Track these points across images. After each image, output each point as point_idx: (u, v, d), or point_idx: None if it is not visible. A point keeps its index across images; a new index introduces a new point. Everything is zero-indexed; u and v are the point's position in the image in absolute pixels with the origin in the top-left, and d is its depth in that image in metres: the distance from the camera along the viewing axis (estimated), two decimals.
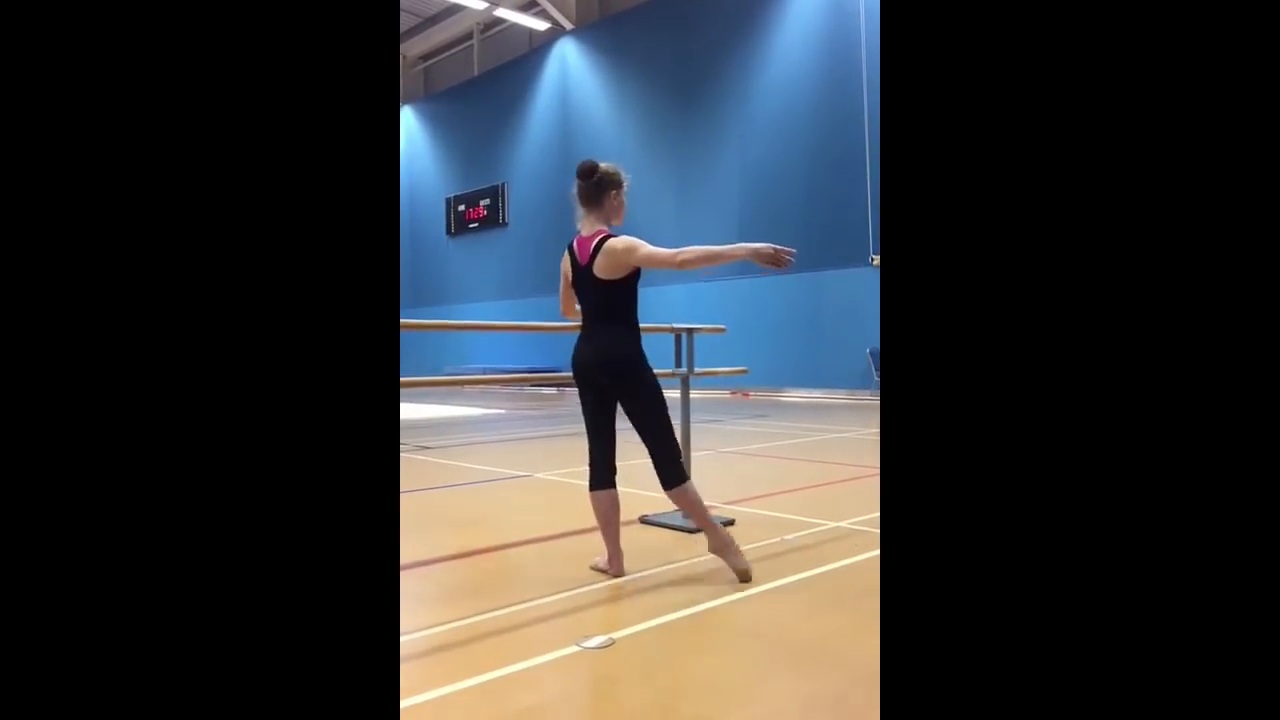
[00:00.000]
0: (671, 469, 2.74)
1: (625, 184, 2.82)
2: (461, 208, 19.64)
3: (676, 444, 2.79)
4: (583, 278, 2.78)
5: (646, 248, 2.70)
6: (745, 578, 2.70)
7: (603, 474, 2.79)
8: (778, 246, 2.65)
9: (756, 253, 2.65)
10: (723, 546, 2.74)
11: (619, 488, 2.81)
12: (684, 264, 2.67)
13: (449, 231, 20.04)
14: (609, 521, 2.79)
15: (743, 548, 3.20)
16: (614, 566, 2.78)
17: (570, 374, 2.83)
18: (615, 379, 2.74)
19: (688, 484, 2.76)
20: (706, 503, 3.91)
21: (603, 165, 2.78)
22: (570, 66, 16.96)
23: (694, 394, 3.63)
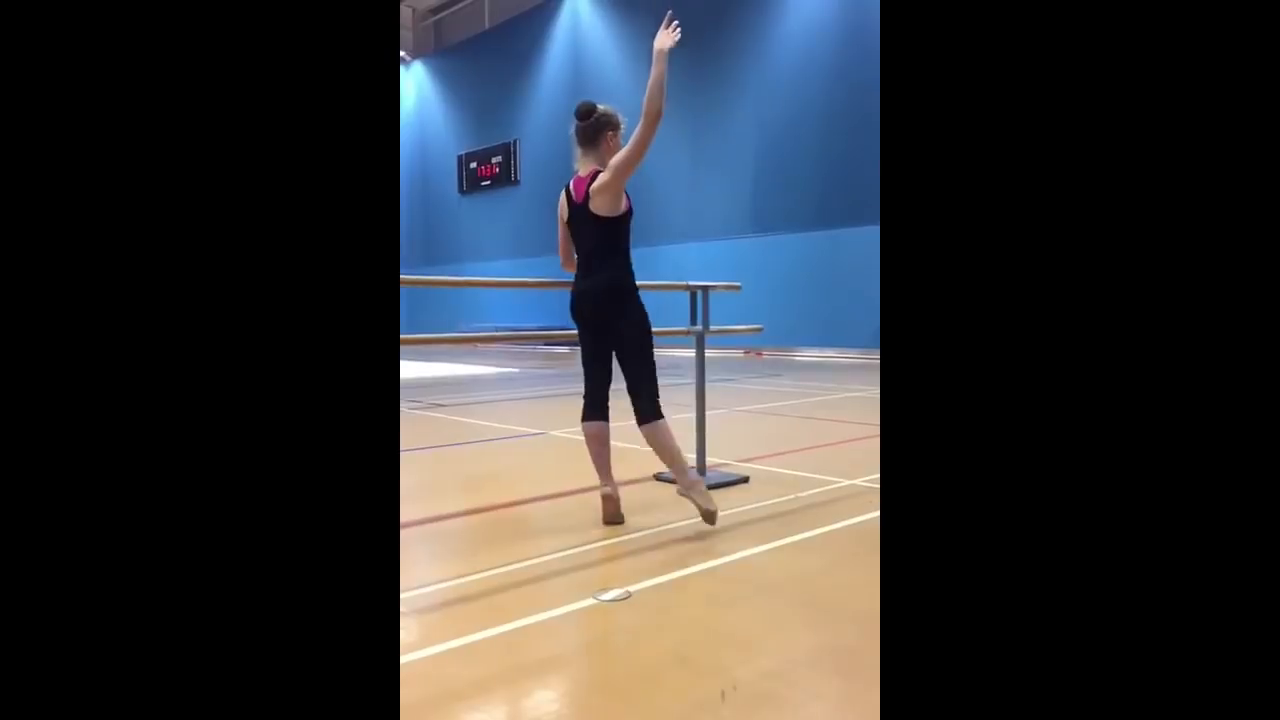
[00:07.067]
0: (646, 404, 2.76)
1: (622, 126, 2.86)
2: (473, 165, 19.47)
3: (655, 383, 2.81)
4: (579, 216, 2.85)
5: (621, 152, 2.72)
6: (710, 519, 2.74)
7: (594, 406, 2.92)
8: (667, 30, 2.63)
9: (665, 50, 2.59)
10: (691, 485, 2.76)
11: (616, 422, 2.93)
12: (649, 116, 2.58)
13: (461, 190, 19.91)
14: (598, 450, 2.92)
15: (757, 504, 3.22)
16: (607, 482, 2.90)
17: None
18: (604, 306, 2.80)
19: (660, 422, 2.75)
20: (721, 460, 3.96)
21: (601, 106, 2.83)
22: (582, 18, 16.66)
23: (708, 353, 3.63)
